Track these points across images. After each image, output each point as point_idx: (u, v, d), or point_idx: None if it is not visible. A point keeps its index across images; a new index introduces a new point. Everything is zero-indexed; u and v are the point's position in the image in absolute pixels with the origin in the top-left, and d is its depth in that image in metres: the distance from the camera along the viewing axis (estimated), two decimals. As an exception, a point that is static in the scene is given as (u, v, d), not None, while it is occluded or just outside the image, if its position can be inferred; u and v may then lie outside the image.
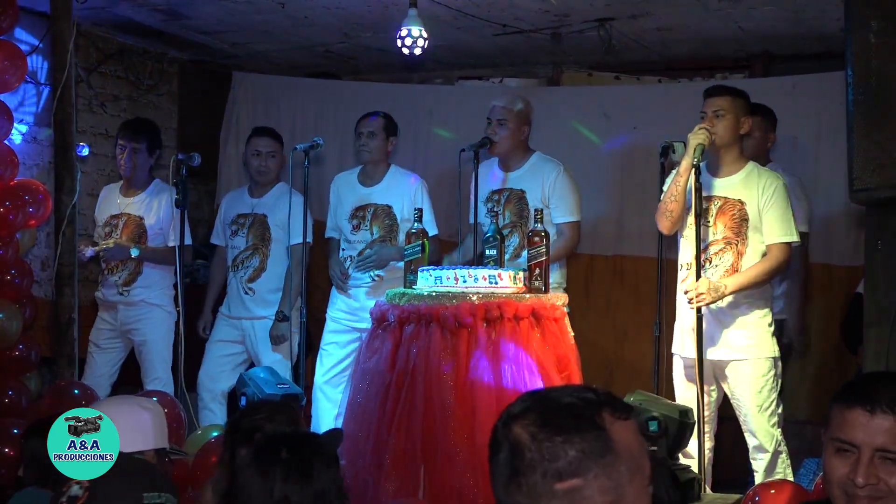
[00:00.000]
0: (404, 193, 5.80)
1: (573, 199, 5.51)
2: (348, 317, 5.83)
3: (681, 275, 4.84)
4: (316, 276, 6.59)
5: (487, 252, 4.71)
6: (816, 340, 6.44)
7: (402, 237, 5.67)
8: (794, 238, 4.71)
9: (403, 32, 5.78)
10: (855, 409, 2.12)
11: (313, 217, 5.94)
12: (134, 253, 5.80)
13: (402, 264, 5.21)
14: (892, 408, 2.09)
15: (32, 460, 3.43)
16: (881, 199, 3.53)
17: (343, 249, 5.88)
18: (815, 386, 6.45)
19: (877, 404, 2.10)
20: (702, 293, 4.49)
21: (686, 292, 4.58)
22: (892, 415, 2.09)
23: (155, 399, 3.86)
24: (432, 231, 5.65)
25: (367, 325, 5.62)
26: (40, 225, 5.66)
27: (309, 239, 5.70)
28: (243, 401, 4.40)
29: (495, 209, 5.40)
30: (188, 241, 5.85)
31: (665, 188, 4.86)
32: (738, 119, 4.69)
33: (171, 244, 5.87)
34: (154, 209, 5.97)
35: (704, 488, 4.53)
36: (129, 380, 6.03)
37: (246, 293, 5.94)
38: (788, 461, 4.78)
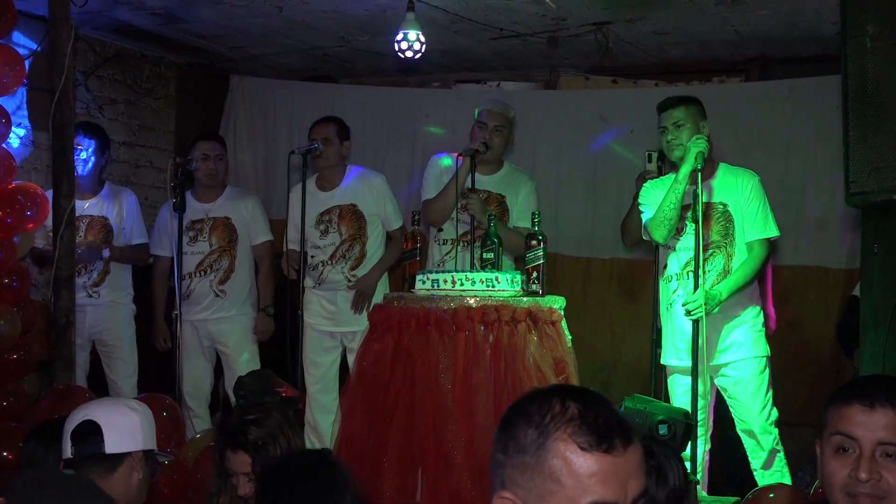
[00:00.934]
0: (366, 190, 5.86)
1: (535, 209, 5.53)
2: (327, 322, 5.87)
3: (671, 286, 4.84)
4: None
5: (485, 255, 4.72)
6: (813, 343, 6.46)
7: (370, 231, 5.82)
8: (775, 233, 4.77)
9: (400, 36, 5.79)
10: (853, 406, 2.11)
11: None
12: (106, 254, 5.91)
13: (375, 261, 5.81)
14: (891, 401, 2.08)
15: (32, 466, 3.42)
16: (877, 202, 3.54)
17: (312, 256, 5.87)
18: (812, 388, 6.46)
19: (875, 399, 2.09)
20: (702, 305, 4.51)
21: (684, 305, 4.59)
22: (892, 408, 2.07)
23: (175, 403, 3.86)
24: (398, 223, 5.87)
25: (347, 328, 5.74)
26: (38, 228, 5.66)
27: (271, 237, 6.12)
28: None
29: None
30: (147, 239, 6.14)
31: (641, 199, 4.90)
32: (697, 126, 4.75)
33: (134, 242, 6.08)
34: (116, 210, 6.04)
35: (700, 491, 4.54)
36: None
37: (217, 295, 5.97)
38: (785, 460, 4.79)
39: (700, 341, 4.51)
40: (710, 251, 4.73)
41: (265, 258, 6.09)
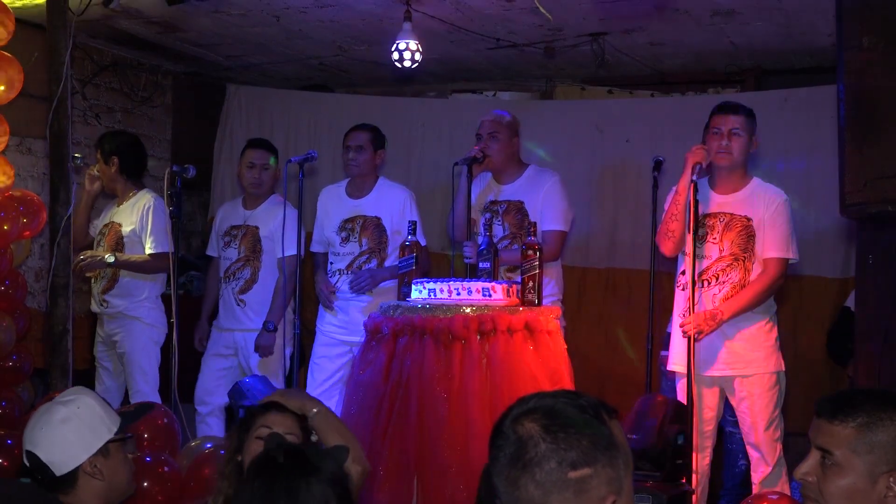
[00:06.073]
0: (393, 205, 5.79)
1: (561, 208, 5.50)
2: (338, 330, 5.83)
3: (685, 294, 4.81)
4: (309, 289, 6.59)
5: (481, 265, 4.72)
6: (808, 352, 6.47)
7: (391, 249, 5.73)
8: (792, 256, 4.72)
9: (398, 46, 5.79)
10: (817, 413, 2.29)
11: (306, 230, 5.95)
12: (109, 259, 5.67)
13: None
14: (836, 413, 2.20)
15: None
16: (872, 214, 3.55)
17: (331, 263, 5.87)
18: (806, 398, 6.44)
19: (825, 409, 2.23)
20: (700, 326, 4.51)
21: (682, 326, 4.58)
22: (831, 418, 2.20)
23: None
24: (422, 242, 5.69)
25: (357, 338, 5.65)
26: (34, 236, 5.66)
27: (301, 252, 5.71)
28: (241, 413, 4.38)
29: (494, 220, 5.43)
30: (165, 248, 5.66)
31: (666, 206, 4.88)
32: (750, 138, 4.73)
33: (147, 252, 5.76)
34: (129, 217, 5.87)
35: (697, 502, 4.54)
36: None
37: (238, 304, 5.92)
38: (786, 477, 4.78)
39: (689, 355, 4.53)
40: (728, 262, 4.71)
41: (289, 272, 5.76)
